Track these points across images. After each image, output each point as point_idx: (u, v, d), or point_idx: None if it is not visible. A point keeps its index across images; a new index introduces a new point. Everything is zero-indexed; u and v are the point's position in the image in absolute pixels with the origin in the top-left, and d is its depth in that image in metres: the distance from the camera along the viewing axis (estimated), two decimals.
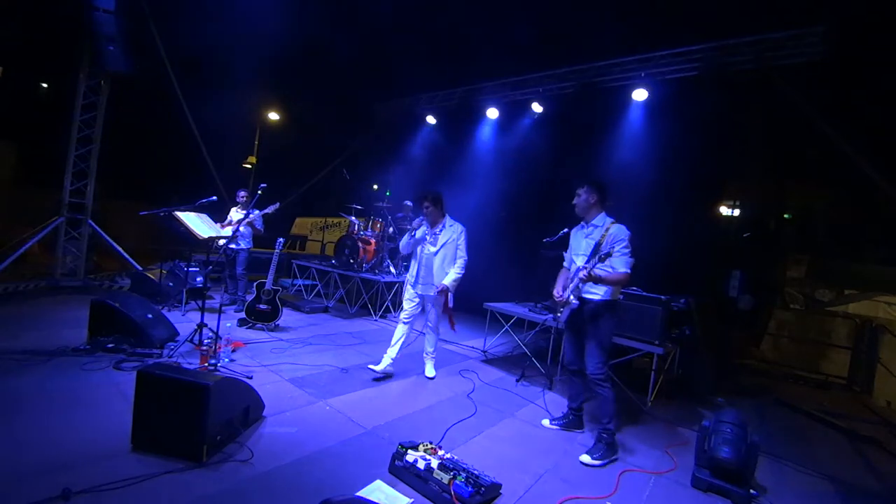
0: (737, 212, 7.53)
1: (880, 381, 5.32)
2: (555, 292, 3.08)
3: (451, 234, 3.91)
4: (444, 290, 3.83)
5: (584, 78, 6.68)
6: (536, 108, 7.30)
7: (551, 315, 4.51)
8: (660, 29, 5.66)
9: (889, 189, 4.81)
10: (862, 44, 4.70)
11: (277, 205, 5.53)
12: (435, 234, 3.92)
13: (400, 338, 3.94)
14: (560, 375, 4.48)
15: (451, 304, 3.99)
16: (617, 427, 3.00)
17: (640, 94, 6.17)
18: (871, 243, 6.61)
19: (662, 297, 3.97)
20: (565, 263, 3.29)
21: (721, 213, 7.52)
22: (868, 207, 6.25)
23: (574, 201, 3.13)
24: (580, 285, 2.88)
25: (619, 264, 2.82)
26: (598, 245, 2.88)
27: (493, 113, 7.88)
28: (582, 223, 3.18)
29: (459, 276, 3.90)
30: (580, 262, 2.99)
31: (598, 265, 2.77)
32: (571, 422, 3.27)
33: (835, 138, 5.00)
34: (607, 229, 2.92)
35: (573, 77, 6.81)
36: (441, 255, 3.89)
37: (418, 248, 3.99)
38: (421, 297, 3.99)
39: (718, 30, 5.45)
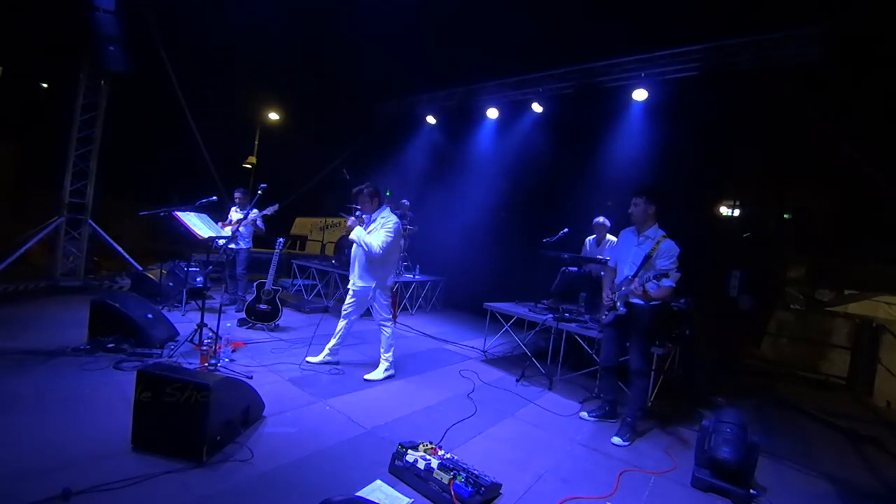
0: (737, 212, 7.52)
1: (880, 381, 5.32)
2: (604, 296, 3.31)
3: (379, 225, 3.78)
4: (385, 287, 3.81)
5: (584, 78, 6.67)
6: (536, 108, 7.30)
7: (551, 315, 4.51)
8: (660, 29, 5.66)
9: (889, 189, 4.81)
10: (862, 43, 4.70)
11: (276, 206, 5.52)
12: (367, 225, 3.84)
13: (338, 331, 4.07)
14: (561, 375, 4.48)
15: (388, 298, 3.89)
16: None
17: (640, 94, 6.16)
18: (871, 243, 6.60)
19: None
20: (610, 263, 3.45)
21: (721, 213, 7.51)
22: (868, 207, 6.24)
23: (630, 210, 3.19)
24: (629, 295, 3.06)
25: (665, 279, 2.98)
26: (647, 257, 2.99)
27: (493, 113, 7.87)
28: (630, 229, 3.29)
29: (374, 243, 3.67)
30: (629, 271, 3.13)
31: (651, 281, 2.89)
32: (608, 413, 3.44)
33: (835, 138, 5.00)
34: (658, 242, 3.02)
35: (573, 77, 6.80)
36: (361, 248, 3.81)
37: (354, 245, 3.93)
38: (355, 293, 3.92)
39: (718, 30, 5.44)
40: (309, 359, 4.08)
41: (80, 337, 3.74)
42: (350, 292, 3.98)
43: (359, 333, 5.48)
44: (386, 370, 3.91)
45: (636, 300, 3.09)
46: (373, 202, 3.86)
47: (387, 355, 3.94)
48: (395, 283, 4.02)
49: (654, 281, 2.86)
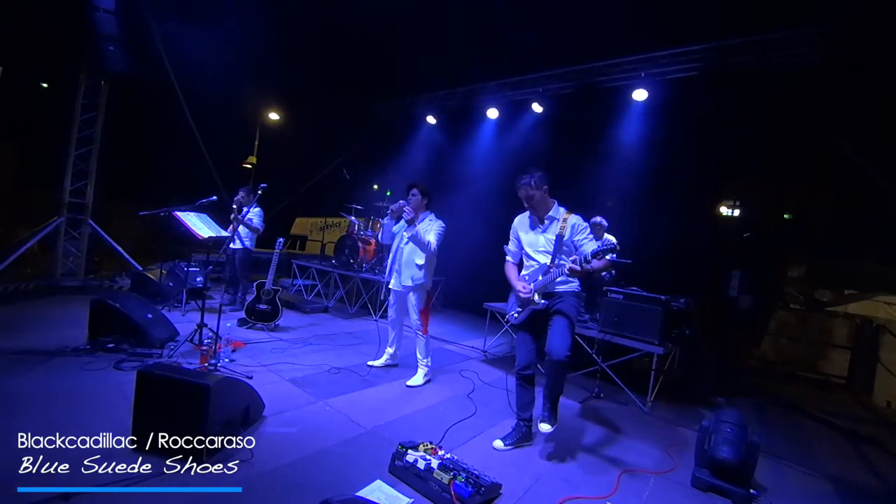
0: (737, 212, 7.52)
1: (880, 381, 5.32)
2: (521, 286, 2.81)
3: (426, 227, 3.79)
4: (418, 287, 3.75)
5: (584, 78, 6.67)
6: (536, 108, 7.30)
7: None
8: (660, 29, 5.66)
9: (889, 189, 4.81)
10: (862, 43, 4.69)
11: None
12: (414, 226, 3.82)
13: (393, 337, 4.18)
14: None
15: (424, 302, 3.88)
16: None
17: (640, 95, 6.16)
18: (871, 243, 6.60)
19: (662, 297, 3.97)
20: (510, 258, 3.03)
21: (721, 213, 7.51)
22: (868, 207, 6.24)
23: (526, 197, 2.81)
24: (555, 280, 2.72)
25: (591, 250, 2.56)
26: (560, 238, 2.72)
27: (493, 113, 7.87)
28: (525, 215, 2.96)
29: (423, 242, 3.68)
30: (543, 259, 2.81)
31: (560, 259, 2.66)
32: (524, 434, 2.96)
33: (835, 138, 5.00)
34: (565, 220, 2.75)
35: (573, 77, 6.79)
36: (411, 245, 3.80)
37: (396, 241, 3.93)
38: (396, 293, 3.96)
39: (718, 30, 5.44)
40: (371, 362, 4.20)
41: (80, 337, 3.74)
42: (392, 295, 3.99)
43: (358, 333, 5.50)
44: (425, 375, 3.90)
45: (560, 287, 2.78)
46: (422, 202, 3.83)
47: (425, 360, 3.91)
48: (434, 287, 4.03)
49: (594, 259, 2.49)
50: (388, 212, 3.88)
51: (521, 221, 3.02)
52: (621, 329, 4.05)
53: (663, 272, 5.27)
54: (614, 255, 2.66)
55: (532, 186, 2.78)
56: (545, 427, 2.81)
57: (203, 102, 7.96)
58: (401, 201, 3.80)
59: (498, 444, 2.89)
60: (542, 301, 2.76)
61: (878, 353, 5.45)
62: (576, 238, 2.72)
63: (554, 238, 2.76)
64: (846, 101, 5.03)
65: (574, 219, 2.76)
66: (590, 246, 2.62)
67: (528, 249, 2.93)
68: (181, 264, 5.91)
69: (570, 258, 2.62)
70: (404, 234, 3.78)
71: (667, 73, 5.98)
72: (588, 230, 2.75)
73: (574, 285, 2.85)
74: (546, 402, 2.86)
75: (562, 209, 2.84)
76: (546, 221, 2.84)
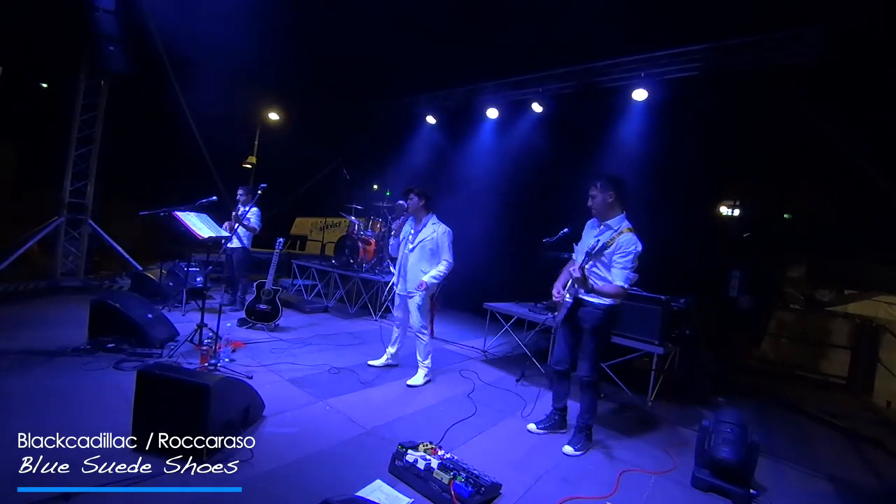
0: (737, 212, 7.52)
1: (880, 381, 5.32)
2: (554, 291, 2.97)
3: (431, 232, 3.82)
4: (421, 286, 3.75)
5: (584, 78, 6.67)
6: (536, 108, 7.30)
7: (551, 315, 4.50)
8: (660, 29, 5.65)
9: (889, 188, 4.81)
10: (862, 44, 4.69)
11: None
12: (417, 231, 3.88)
13: (396, 337, 4.20)
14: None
15: (427, 306, 3.92)
16: (596, 421, 3.15)
17: (640, 95, 6.16)
18: (871, 243, 6.59)
19: (662, 297, 3.97)
20: (575, 256, 3.12)
21: (721, 213, 7.51)
22: (868, 207, 6.23)
23: (590, 203, 2.89)
24: (575, 285, 2.79)
25: (616, 277, 2.72)
26: (604, 246, 2.70)
27: (492, 113, 7.87)
28: (594, 220, 3.00)
29: (441, 275, 3.81)
30: (581, 260, 2.86)
31: (593, 266, 2.71)
32: (556, 423, 3.17)
33: (835, 138, 5.00)
34: (620, 233, 2.74)
35: (573, 77, 6.79)
36: (416, 253, 3.85)
37: (402, 248, 3.98)
38: (402, 297, 3.99)
39: (718, 30, 5.44)
40: (371, 362, 4.23)
41: (80, 337, 3.74)
42: (398, 299, 4.04)
43: (359, 333, 5.50)
44: (425, 376, 3.92)
45: (590, 297, 2.82)
46: (422, 206, 3.86)
47: (426, 362, 3.93)
48: (437, 290, 4.09)
49: (597, 261, 2.57)
50: (392, 230, 4.00)
51: (588, 225, 3.08)
52: (621, 329, 4.04)
53: (663, 272, 5.27)
54: (623, 280, 2.71)
55: (594, 196, 2.87)
56: (567, 449, 2.92)
57: (203, 102, 7.95)
58: (400, 203, 3.84)
59: (531, 426, 3.13)
60: (569, 300, 2.86)
61: (878, 353, 5.44)
62: (615, 256, 2.72)
63: (597, 243, 2.75)
64: (846, 101, 5.03)
65: (627, 237, 2.73)
66: (616, 273, 2.70)
67: (580, 249, 2.98)
68: (181, 264, 5.91)
69: (587, 264, 2.65)
70: (409, 244, 3.87)
71: (667, 73, 5.98)
72: (632, 257, 2.69)
73: (607, 299, 2.80)
74: (578, 424, 2.99)
75: (625, 223, 2.82)
76: (603, 227, 2.88)
